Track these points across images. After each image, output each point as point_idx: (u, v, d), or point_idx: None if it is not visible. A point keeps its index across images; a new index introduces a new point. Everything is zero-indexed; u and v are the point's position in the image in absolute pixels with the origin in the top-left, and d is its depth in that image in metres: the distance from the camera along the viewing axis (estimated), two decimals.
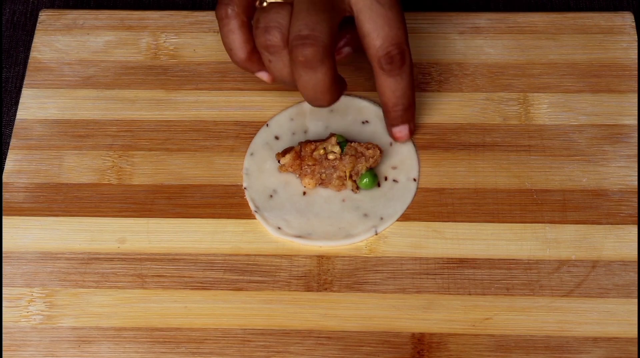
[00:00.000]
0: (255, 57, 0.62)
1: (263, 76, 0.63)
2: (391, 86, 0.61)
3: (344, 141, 0.64)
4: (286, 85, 0.62)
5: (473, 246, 0.62)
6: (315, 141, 0.64)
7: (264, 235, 0.63)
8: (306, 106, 0.68)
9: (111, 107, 0.69)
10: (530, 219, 0.63)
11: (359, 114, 0.68)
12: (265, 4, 0.59)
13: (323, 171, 0.63)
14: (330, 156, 0.63)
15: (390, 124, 0.65)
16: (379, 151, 0.63)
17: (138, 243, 0.63)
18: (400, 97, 0.62)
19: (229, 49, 0.62)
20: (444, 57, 0.70)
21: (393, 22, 0.59)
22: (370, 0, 0.59)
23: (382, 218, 0.63)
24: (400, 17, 0.60)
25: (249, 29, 0.61)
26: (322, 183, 0.64)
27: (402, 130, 0.65)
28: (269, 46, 0.59)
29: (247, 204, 0.64)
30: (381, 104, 0.64)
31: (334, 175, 0.63)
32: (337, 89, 0.60)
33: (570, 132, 0.66)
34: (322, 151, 0.63)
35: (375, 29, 0.59)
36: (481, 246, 0.62)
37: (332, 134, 0.64)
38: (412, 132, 0.65)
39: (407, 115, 0.64)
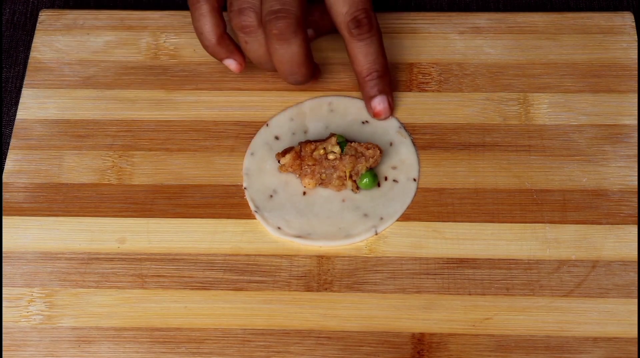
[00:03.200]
0: (225, 42, 0.64)
1: (231, 64, 0.65)
2: (362, 50, 0.62)
3: (344, 141, 0.64)
4: (262, 67, 0.64)
5: (473, 246, 0.62)
6: (315, 141, 0.64)
7: (264, 235, 0.63)
8: (306, 106, 0.68)
9: (111, 107, 0.69)
10: (530, 220, 0.63)
11: (359, 114, 0.68)
12: None
13: (323, 171, 0.63)
14: (330, 156, 0.63)
15: (367, 96, 0.65)
16: (379, 151, 0.63)
17: (138, 243, 0.63)
18: (373, 63, 0.63)
19: (199, 34, 0.63)
20: (444, 57, 0.70)
21: None
22: None
23: (382, 218, 0.63)
24: None
25: (220, 13, 0.63)
26: (322, 183, 0.64)
27: (381, 102, 0.64)
28: (244, 26, 0.60)
29: (247, 204, 0.64)
30: (356, 76, 0.64)
31: (334, 175, 0.63)
32: (312, 64, 0.62)
33: (570, 132, 0.66)
34: (322, 151, 0.63)
35: None
36: (481, 246, 0.62)
37: (332, 134, 0.64)
38: (392, 107, 0.65)
39: (383, 83, 0.64)
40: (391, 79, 0.66)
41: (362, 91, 0.65)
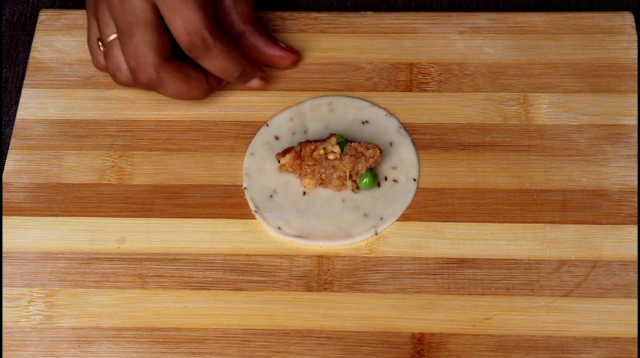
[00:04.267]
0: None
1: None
2: (210, 66, 0.63)
3: (344, 141, 0.64)
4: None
5: (473, 246, 0.62)
6: (315, 141, 0.64)
7: (264, 235, 0.63)
8: (306, 106, 0.68)
9: (111, 107, 0.69)
10: (530, 220, 0.63)
11: (359, 114, 0.68)
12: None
13: (323, 171, 0.63)
14: (330, 156, 0.63)
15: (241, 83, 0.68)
16: (379, 151, 0.63)
17: (138, 243, 0.63)
18: (226, 71, 0.64)
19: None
20: (444, 57, 0.70)
21: (184, 7, 0.60)
22: None
23: (382, 218, 0.63)
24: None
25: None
26: (322, 183, 0.64)
27: (253, 82, 0.67)
28: (123, 83, 0.64)
29: (247, 204, 0.64)
30: None
31: (334, 175, 0.63)
32: (199, 84, 0.64)
33: (570, 133, 0.66)
34: (322, 151, 0.63)
35: (173, 18, 0.60)
36: (481, 246, 0.62)
37: (332, 134, 0.64)
38: (264, 79, 0.68)
39: (245, 76, 0.66)
40: (252, 66, 0.66)
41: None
